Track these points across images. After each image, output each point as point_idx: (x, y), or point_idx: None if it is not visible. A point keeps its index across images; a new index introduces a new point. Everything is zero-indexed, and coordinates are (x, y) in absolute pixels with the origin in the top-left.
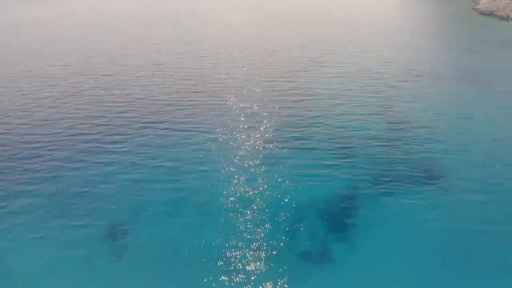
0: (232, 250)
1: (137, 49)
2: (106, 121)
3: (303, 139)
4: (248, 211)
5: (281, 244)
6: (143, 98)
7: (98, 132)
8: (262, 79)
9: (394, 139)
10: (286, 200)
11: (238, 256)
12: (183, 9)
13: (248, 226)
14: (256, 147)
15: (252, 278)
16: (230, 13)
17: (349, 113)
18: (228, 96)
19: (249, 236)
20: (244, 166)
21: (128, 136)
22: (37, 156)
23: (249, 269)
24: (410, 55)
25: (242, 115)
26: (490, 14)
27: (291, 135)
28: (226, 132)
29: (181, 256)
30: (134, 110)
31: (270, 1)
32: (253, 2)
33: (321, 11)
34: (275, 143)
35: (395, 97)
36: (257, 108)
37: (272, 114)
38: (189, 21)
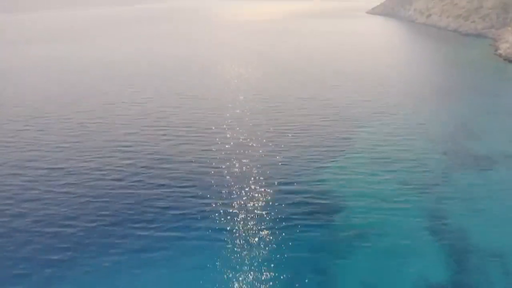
0: None
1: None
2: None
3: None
4: None
5: None
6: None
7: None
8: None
9: None
10: None
11: None
12: (182, 57)
13: None
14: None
15: None
16: (230, 63)
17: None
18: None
19: None
20: None
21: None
22: None
23: None
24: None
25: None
26: None
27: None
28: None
29: None
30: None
31: (276, 51)
32: (256, 51)
33: (334, 60)
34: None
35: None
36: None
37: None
38: (186, 72)
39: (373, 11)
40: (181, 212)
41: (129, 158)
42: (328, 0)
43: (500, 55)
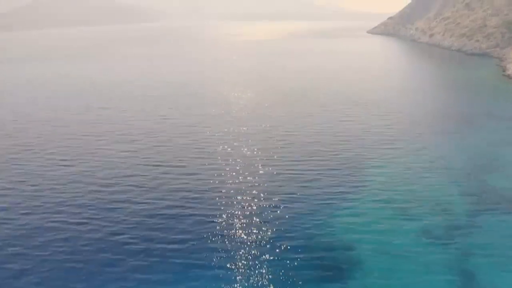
0: None
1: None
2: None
3: None
4: None
5: None
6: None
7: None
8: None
9: None
10: None
11: None
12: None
13: None
14: None
15: None
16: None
17: None
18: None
19: None
20: None
21: None
22: None
23: None
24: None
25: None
26: None
27: None
28: None
29: None
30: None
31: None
32: (258, 75)
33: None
34: None
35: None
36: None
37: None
38: (185, 96)
39: (374, 31)
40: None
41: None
42: (328, 20)
43: (509, 76)
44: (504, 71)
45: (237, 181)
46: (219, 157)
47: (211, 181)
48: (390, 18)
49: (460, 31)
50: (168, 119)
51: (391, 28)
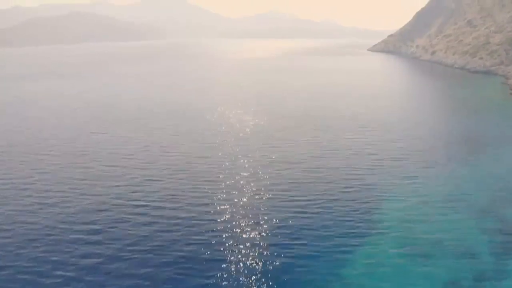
0: None
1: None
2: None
3: None
4: None
5: None
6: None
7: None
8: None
9: None
10: None
11: None
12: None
13: None
14: None
15: None
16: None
17: None
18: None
19: None
20: None
21: None
22: None
23: None
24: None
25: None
26: None
27: None
28: None
29: None
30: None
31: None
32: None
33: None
34: None
35: None
36: None
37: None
38: (185, 118)
39: (374, 48)
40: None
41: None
42: (327, 37)
43: None
44: (511, 89)
45: (236, 214)
46: (217, 186)
47: (211, 205)
48: (391, 35)
49: (462, 48)
50: (159, 144)
51: (391, 46)
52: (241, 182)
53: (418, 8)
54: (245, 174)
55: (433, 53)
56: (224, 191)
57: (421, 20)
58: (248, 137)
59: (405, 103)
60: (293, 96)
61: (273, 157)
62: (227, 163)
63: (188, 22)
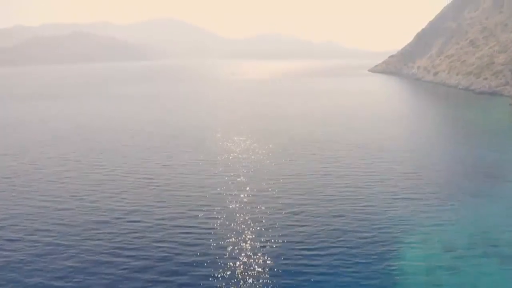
0: None
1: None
2: None
3: None
4: None
5: None
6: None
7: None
8: None
9: None
10: None
11: None
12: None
13: None
14: None
15: None
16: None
17: None
18: None
19: None
20: None
21: None
22: None
23: None
24: None
25: None
26: None
27: None
28: None
29: None
30: None
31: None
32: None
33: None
34: None
35: None
36: None
37: None
38: (185, 144)
39: (375, 69)
40: None
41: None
42: (327, 58)
43: None
44: None
45: (234, 247)
46: (216, 214)
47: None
48: (392, 56)
49: (466, 68)
50: (152, 171)
51: (392, 67)
52: (245, 217)
53: (418, 29)
54: (247, 206)
55: (435, 73)
56: (219, 211)
57: (422, 40)
58: (249, 165)
59: (414, 128)
60: (295, 120)
61: (276, 190)
62: (227, 192)
63: (188, 42)
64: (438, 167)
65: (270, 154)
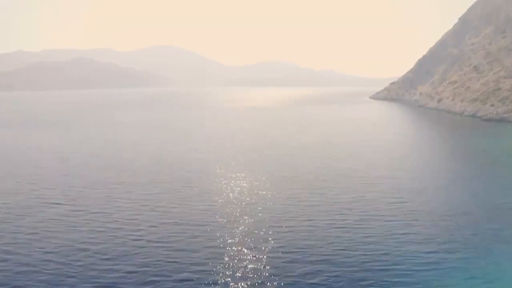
0: None
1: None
2: None
3: None
4: None
5: None
6: None
7: None
8: None
9: None
10: None
11: None
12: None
13: None
14: None
15: None
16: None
17: None
18: None
19: None
20: None
21: None
22: None
23: None
24: None
25: None
26: None
27: None
28: None
29: None
30: None
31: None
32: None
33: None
34: None
35: None
36: None
37: None
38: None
39: (377, 96)
40: None
41: None
42: (327, 86)
43: None
44: None
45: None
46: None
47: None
48: (393, 83)
49: (471, 95)
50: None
51: (394, 93)
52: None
53: (419, 56)
54: (249, 239)
55: (439, 100)
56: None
57: (423, 67)
58: (249, 201)
59: (420, 159)
60: (298, 152)
61: (280, 225)
62: (228, 226)
63: (189, 70)
64: (451, 205)
65: (270, 186)
